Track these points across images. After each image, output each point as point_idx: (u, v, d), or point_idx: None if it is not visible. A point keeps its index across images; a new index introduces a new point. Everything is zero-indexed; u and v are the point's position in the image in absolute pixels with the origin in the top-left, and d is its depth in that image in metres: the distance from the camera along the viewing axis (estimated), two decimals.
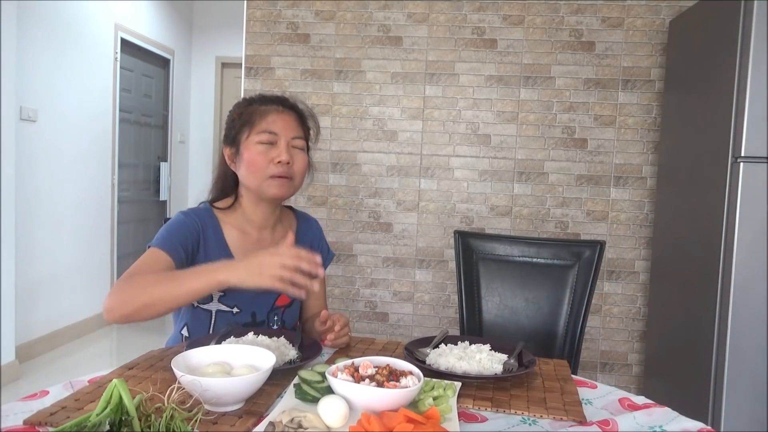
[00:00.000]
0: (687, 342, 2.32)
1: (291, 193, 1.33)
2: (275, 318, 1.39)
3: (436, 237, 2.99)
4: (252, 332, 1.18)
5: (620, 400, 1.00)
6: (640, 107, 2.85)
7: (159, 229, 1.28)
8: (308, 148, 1.38)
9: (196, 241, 1.28)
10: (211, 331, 1.32)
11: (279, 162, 1.27)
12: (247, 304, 1.34)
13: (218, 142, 4.47)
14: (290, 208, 1.51)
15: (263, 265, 1.02)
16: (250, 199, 1.35)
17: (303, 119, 1.37)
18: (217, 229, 1.33)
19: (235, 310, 1.33)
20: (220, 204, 1.38)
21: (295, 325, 1.46)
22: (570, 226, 2.91)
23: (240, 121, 1.31)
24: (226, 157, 1.35)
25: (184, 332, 1.35)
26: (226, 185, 1.39)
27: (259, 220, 1.37)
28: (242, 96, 1.43)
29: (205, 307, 1.32)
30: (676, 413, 0.94)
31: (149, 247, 1.23)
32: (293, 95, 1.43)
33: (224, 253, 1.32)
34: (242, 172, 1.32)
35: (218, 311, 1.32)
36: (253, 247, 1.34)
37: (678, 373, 2.41)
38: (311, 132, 1.40)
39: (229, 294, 1.32)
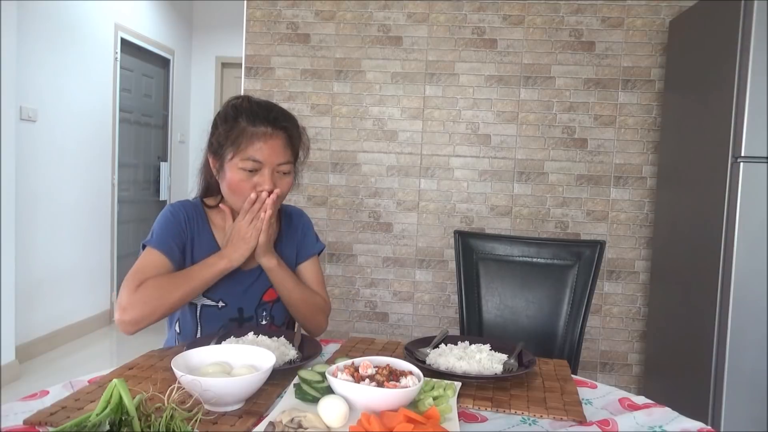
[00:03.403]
0: (687, 342, 2.32)
1: None
2: (263, 313, 1.39)
3: (436, 237, 2.99)
4: (252, 332, 1.18)
5: (620, 400, 1.00)
6: (640, 107, 2.85)
7: (153, 224, 1.32)
8: (297, 158, 1.33)
9: (186, 236, 1.31)
10: (198, 325, 1.33)
11: (261, 191, 1.25)
12: (234, 299, 1.34)
13: None
14: None
15: (239, 234, 1.23)
16: (233, 207, 1.34)
17: (292, 139, 1.30)
18: (205, 224, 1.35)
19: (221, 304, 1.33)
20: (209, 201, 1.39)
21: (286, 320, 1.46)
22: (570, 226, 2.91)
23: (226, 139, 1.26)
24: (212, 166, 1.32)
25: (176, 328, 1.37)
26: (211, 187, 1.39)
27: None
28: (233, 100, 1.33)
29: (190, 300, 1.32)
30: (676, 413, 0.94)
31: (144, 246, 1.27)
32: (282, 110, 1.32)
33: (211, 244, 1.34)
34: (224, 189, 1.30)
35: (203, 306, 1.33)
36: None
37: (678, 373, 2.41)
38: (301, 150, 1.35)
39: (213, 287, 1.31)
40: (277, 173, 1.27)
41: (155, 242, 1.26)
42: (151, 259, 1.24)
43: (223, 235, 1.34)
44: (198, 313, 1.33)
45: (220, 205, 1.34)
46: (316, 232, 1.53)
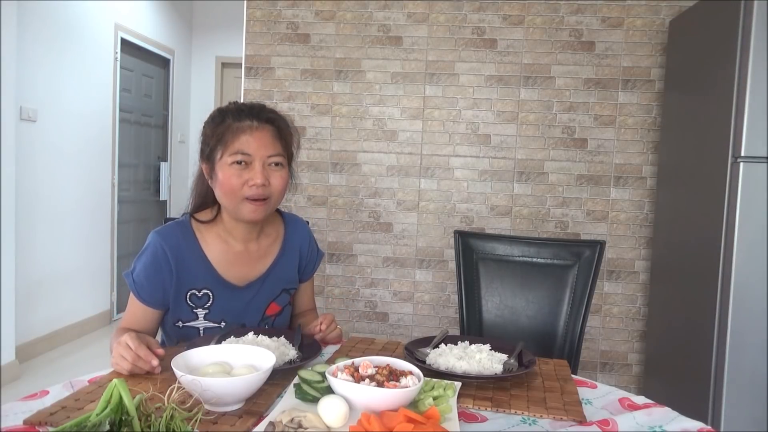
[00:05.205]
0: (687, 342, 2.32)
1: (268, 213, 1.30)
2: (266, 327, 1.38)
3: (436, 237, 2.99)
4: (252, 332, 1.18)
5: (620, 400, 1.00)
6: (640, 107, 2.85)
7: (138, 256, 1.32)
8: (291, 158, 1.32)
9: (169, 271, 1.28)
10: None
11: (254, 185, 1.22)
12: (235, 317, 1.33)
13: None
14: (277, 211, 1.44)
15: (113, 353, 1.08)
16: (229, 215, 1.31)
17: (281, 132, 1.28)
18: (194, 245, 1.31)
19: (223, 324, 1.32)
20: (201, 216, 1.35)
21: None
22: (570, 226, 2.91)
23: (214, 139, 1.25)
24: (205, 173, 1.30)
25: None
26: (207, 198, 1.36)
27: (242, 234, 1.34)
28: (218, 107, 1.33)
29: (191, 324, 1.31)
30: (676, 413, 0.94)
31: (129, 279, 1.30)
32: (270, 105, 1.33)
33: (205, 266, 1.31)
34: (218, 193, 1.28)
35: (205, 328, 1.31)
36: (237, 259, 1.34)
37: (678, 373, 2.41)
38: (293, 142, 1.33)
39: (213, 309, 1.31)
40: (268, 166, 1.24)
41: (137, 291, 1.29)
42: (135, 310, 1.30)
43: (215, 251, 1.32)
44: (201, 335, 1.31)
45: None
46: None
